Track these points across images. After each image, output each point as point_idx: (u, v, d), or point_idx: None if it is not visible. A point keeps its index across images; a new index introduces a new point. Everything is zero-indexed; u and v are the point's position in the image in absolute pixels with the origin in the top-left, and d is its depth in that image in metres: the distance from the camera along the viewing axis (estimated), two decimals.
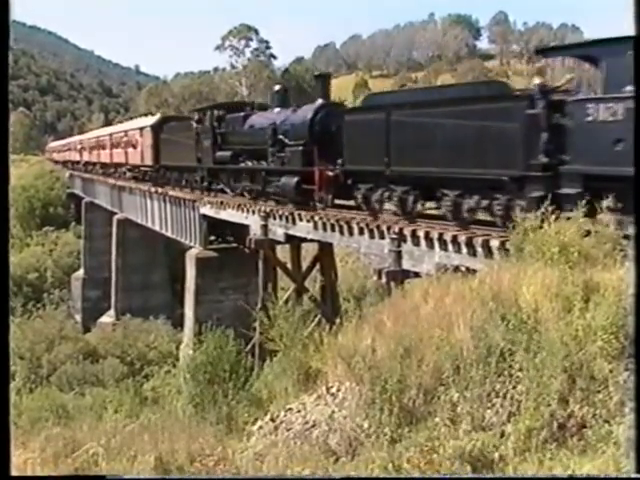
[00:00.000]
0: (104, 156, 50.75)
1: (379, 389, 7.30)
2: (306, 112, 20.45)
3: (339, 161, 18.16)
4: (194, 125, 29.16)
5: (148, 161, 36.95)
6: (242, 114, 25.14)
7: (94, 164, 55.45)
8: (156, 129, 35.81)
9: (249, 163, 24.14)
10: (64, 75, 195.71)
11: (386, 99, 18.00)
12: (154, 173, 36.63)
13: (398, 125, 15.34)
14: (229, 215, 25.68)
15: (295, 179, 20.14)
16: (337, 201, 19.24)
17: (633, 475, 5.41)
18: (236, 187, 25.65)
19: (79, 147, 63.51)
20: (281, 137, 21.24)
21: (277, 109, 22.90)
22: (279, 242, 22.37)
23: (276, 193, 21.76)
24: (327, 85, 21.01)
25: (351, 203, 18.65)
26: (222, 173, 26.89)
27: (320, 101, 20.28)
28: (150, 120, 39.65)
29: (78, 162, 63.43)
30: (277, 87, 25.29)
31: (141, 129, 38.62)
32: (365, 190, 17.01)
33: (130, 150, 41.28)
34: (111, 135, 48.56)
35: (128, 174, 42.76)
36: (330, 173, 18.62)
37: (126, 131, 43.39)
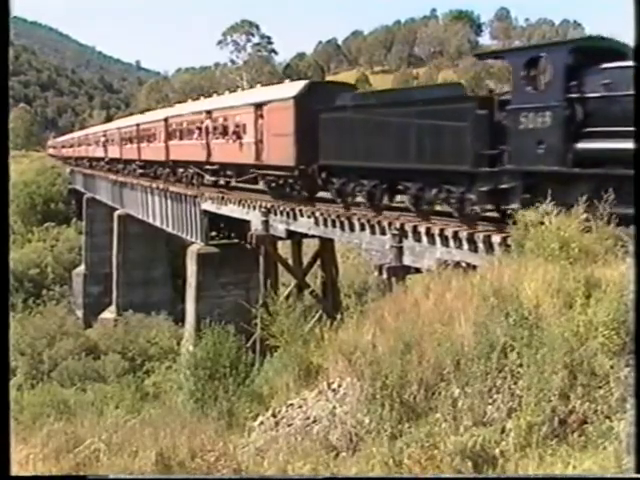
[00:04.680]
0: (151, 151, 36.83)
1: (380, 385, 7.29)
2: None
3: None
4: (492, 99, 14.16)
5: (280, 159, 21.46)
6: None
7: (128, 162, 42.00)
8: (305, 103, 20.24)
9: None
10: (65, 71, 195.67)
11: None
12: (296, 179, 20.99)
13: None
14: (230, 211, 25.68)
15: None
16: None
17: (633, 475, 5.40)
18: None
19: (102, 140, 49.68)
20: None
21: None
22: (280, 238, 22.39)
23: None
24: None
25: None
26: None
27: None
28: (288, 89, 22.82)
29: (99, 159, 50.88)
30: None
31: (259, 106, 23.27)
32: None
33: (218, 141, 26.75)
34: (167, 120, 34.02)
35: (207, 178, 28.61)
36: None
37: (210, 112, 28.27)
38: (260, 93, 26.49)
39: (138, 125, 39.77)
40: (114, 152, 45.68)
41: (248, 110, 24.08)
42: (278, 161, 21.59)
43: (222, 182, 27.50)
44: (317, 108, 19.19)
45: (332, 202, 19.44)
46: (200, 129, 28.57)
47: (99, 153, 50.68)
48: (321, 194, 20.76)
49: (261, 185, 24.38)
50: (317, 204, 20.12)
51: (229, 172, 26.69)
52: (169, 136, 33.39)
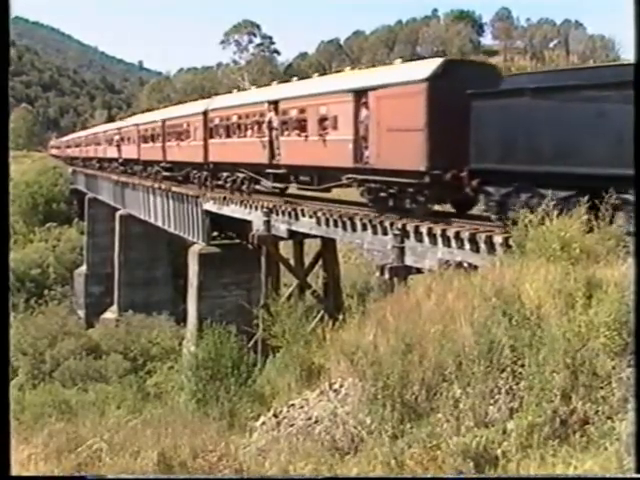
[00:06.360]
0: (182, 151, 31.38)
1: (381, 385, 7.29)
2: None
3: None
4: None
5: (399, 162, 16.26)
6: None
7: (148, 163, 37.10)
8: (442, 88, 15.02)
9: None
10: (67, 71, 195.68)
11: None
12: (423, 187, 15.77)
13: None
14: (232, 211, 25.69)
15: None
16: None
17: (634, 475, 5.40)
18: None
19: (116, 138, 44.91)
20: None
21: None
22: (282, 238, 22.36)
23: None
24: None
25: None
26: None
27: None
28: (412, 69, 17.21)
29: (111, 160, 46.64)
30: None
31: (361, 93, 17.86)
32: None
33: (289, 139, 21.50)
34: (206, 114, 28.41)
35: (268, 184, 23.65)
36: None
37: (276, 102, 22.69)
38: (356, 77, 20.34)
39: (164, 121, 34.40)
40: (130, 152, 40.80)
41: (342, 98, 18.54)
42: (396, 164, 16.40)
43: (279, 189, 23.21)
44: (467, 94, 14.02)
45: (479, 218, 15.00)
46: (259, 124, 23.63)
47: (111, 153, 46.13)
48: (437, 207, 16.81)
49: (362, 196, 18.47)
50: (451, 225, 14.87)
51: (304, 177, 21.17)
52: (210, 133, 28.01)
